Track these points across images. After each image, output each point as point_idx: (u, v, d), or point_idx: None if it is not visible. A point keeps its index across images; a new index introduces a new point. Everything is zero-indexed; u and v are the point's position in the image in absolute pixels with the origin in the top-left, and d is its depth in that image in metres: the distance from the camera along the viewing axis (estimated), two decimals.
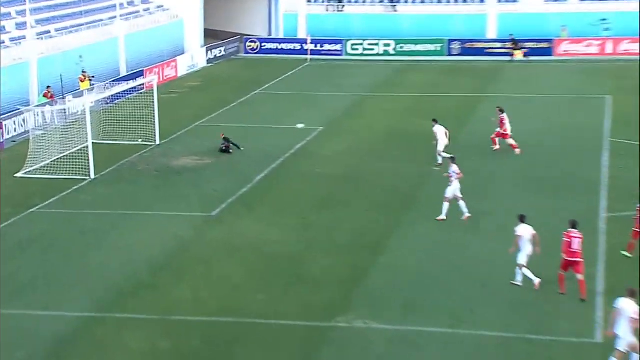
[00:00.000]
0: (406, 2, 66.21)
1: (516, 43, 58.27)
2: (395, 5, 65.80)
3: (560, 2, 63.12)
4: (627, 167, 32.39)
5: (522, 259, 21.64)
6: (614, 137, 36.66)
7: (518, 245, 21.64)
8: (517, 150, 34.43)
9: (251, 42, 64.55)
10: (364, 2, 67.41)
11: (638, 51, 56.22)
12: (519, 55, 57.83)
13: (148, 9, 60.92)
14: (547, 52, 58.20)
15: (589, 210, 27.54)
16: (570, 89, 48.05)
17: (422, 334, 19.67)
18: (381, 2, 66.54)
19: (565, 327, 19.64)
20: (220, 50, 62.28)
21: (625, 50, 57.43)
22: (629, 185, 29.97)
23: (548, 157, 34.24)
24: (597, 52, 57.84)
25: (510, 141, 34.70)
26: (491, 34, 61.92)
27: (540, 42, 58.64)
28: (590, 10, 60.70)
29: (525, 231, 21.63)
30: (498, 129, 34.97)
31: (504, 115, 34.81)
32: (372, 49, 61.84)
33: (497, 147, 35.17)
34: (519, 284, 21.72)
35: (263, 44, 64.41)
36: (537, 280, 21.44)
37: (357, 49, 62.10)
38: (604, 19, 58.26)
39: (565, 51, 58.10)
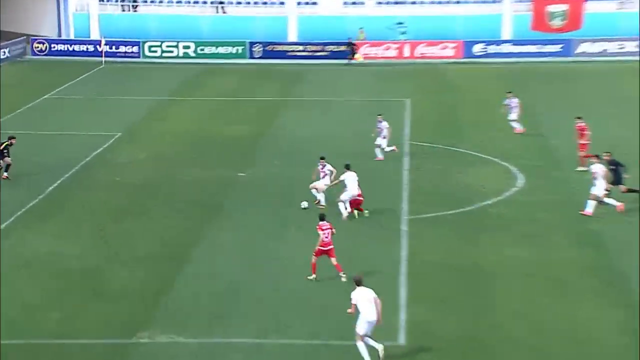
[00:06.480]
0: (205, 2, 64.82)
1: (353, 46, 58.02)
2: (223, 6, 63.97)
3: (358, 5, 63.99)
4: (425, 168, 32.73)
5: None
6: (413, 140, 36.96)
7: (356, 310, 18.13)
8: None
9: (38, 43, 60.86)
10: (161, 2, 65.30)
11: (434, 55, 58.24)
12: (359, 58, 57.41)
13: None
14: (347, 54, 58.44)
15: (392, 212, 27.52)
16: (371, 92, 48.35)
17: (229, 345, 18.78)
18: (211, 2, 64.49)
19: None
20: (4, 52, 58.07)
21: (422, 54, 58.87)
22: (429, 187, 30.36)
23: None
24: (396, 55, 58.97)
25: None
26: (292, 36, 61.67)
27: (340, 44, 58.95)
28: (387, 13, 61.85)
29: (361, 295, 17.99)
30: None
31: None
32: (170, 51, 59.92)
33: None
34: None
35: (52, 45, 60.83)
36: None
37: (155, 51, 59.96)
38: (400, 22, 59.51)
39: (365, 54, 58.58)
